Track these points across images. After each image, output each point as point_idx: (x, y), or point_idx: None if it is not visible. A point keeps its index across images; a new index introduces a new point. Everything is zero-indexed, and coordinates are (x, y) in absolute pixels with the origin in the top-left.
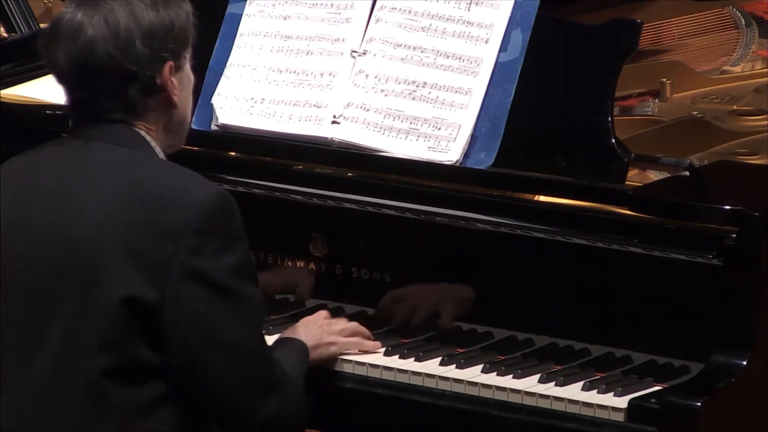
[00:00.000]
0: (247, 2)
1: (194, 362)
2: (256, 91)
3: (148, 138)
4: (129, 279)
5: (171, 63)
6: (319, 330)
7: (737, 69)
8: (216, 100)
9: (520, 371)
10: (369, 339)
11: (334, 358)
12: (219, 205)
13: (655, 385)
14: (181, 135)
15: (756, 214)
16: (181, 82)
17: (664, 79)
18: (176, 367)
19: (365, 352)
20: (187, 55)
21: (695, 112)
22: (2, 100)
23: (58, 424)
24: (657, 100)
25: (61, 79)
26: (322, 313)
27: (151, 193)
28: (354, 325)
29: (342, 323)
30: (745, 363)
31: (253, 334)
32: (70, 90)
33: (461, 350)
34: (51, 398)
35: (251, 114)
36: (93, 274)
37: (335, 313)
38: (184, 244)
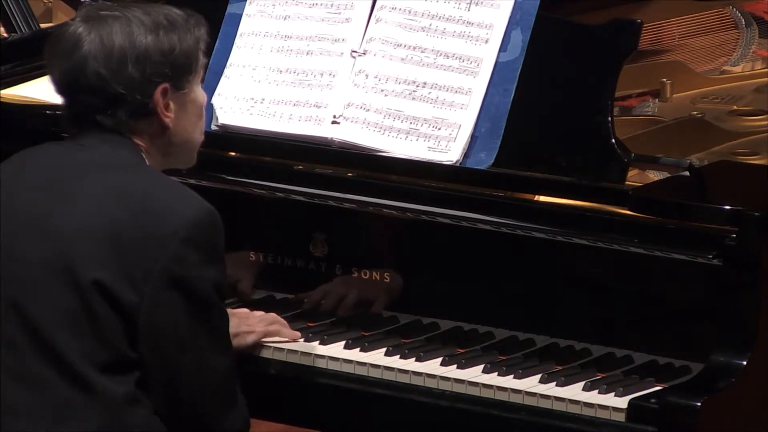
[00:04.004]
0: (247, 2)
1: (166, 365)
2: (256, 91)
3: (142, 152)
4: (105, 268)
5: (165, 85)
6: (237, 320)
7: (737, 69)
8: (216, 100)
9: (521, 371)
10: (287, 328)
11: (253, 347)
12: (207, 220)
13: (656, 386)
14: (187, 156)
15: (756, 214)
16: (183, 105)
17: (664, 79)
18: (148, 366)
19: (297, 340)
20: (193, 79)
21: (695, 112)
22: (2, 100)
23: (46, 408)
24: (657, 100)
25: (57, 90)
26: (242, 309)
27: (142, 199)
28: (272, 315)
29: (260, 314)
30: (745, 363)
31: (222, 347)
32: (63, 102)
33: (462, 350)
34: (38, 383)
35: (251, 114)
36: (72, 261)
37: None
38: (170, 252)
